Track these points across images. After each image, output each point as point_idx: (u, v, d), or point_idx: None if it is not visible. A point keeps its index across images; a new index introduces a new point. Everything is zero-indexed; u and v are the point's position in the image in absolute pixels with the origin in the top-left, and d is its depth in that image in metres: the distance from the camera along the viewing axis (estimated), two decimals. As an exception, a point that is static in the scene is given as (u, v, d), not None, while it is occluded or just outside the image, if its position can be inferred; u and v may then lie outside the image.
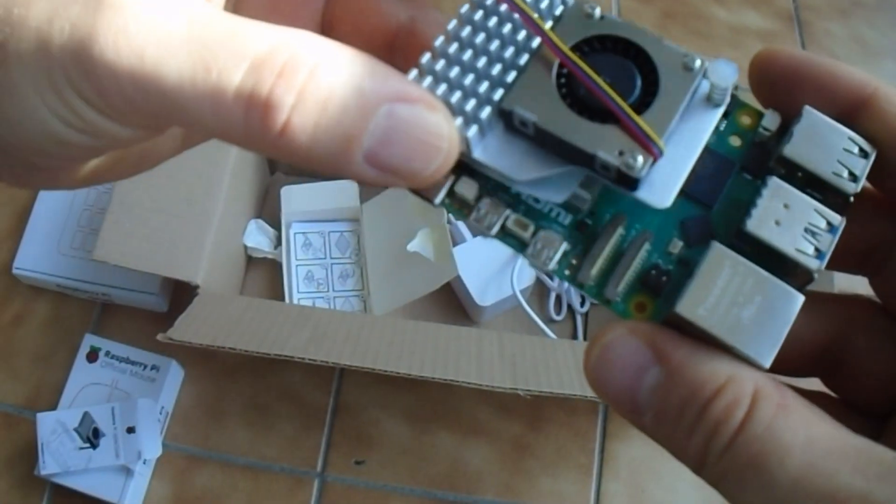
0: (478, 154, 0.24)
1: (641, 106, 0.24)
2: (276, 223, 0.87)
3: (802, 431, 0.22)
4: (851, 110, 0.26)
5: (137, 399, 0.75)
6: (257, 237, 0.86)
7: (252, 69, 0.21)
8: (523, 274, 0.82)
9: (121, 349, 0.81)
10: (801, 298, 0.23)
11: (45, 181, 0.27)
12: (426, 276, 0.77)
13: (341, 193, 0.87)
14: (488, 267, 0.82)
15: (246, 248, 0.86)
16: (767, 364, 0.22)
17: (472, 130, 0.24)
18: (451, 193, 0.25)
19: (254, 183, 0.86)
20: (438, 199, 0.25)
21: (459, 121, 0.24)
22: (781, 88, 0.26)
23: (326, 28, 0.29)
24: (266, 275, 0.88)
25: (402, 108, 0.21)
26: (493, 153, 0.24)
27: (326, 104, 0.21)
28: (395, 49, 0.28)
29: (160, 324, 0.64)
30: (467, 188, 0.25)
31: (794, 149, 0.24)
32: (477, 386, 0.62)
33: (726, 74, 0.25)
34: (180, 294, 0.85)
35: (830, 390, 0.30)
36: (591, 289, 0.25)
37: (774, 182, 0.24)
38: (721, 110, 0.25)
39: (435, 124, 0.22)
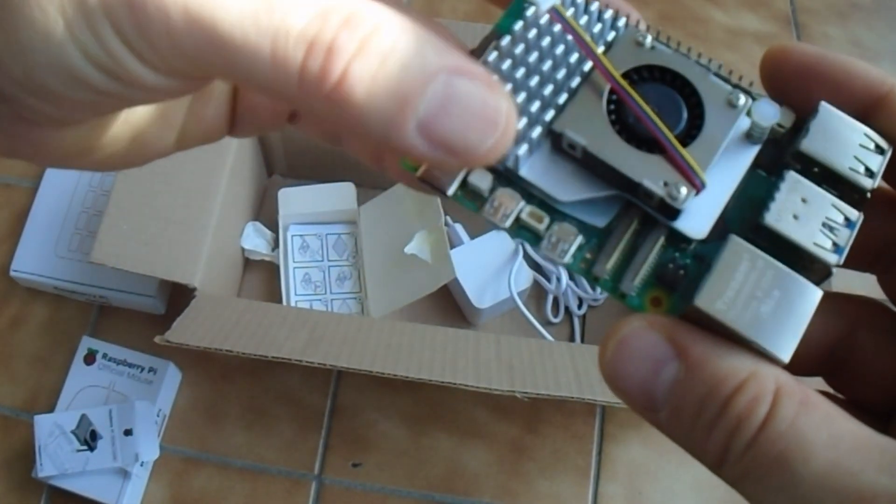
0: (524, 172, 0.24)
1: (686, 138, 0.24)
2: (273, 225, 0.87)
3: (826, 429, 0.21)
4: (867, 108, 0.25)
5: (135, 401, 0.75)
6: (255, 239, 0.86)
7: (317, 15, 0.20)
8: (521, 276, 0.82)
9: (118, 351, 0.81)
10: (819, 293, 0.23)
11: (30, 145, 0.25)
12: (423, 278, 0.77)
13: (339, 196, 0.87)
14: (486, 269, 0.82)
15: (243, 250, 0.86)
16: (787, 358, 0.22)
17: (523, 149, 0.24)
18: (463, 185, 0.25)
19: (251, 185, 0.86)
20: (451, 191, 0.25)
21: None
22: (795, 85, 0.26)
23: None
24: (263, 277, 0.88)
25: (461, 80, 0.21)
26: (538, 172, 0.24)
27: (387, 59, 0.20)
28: None
29: (157, 326, 0.64)
30: (481, 179, 0.25)
31: (811, 144, 0.24)
32: (474, 388, 0.62)
33: (769, 115, 0.25)
34: (178, 296, 0.85)
35: (834, 390, 0.30)
36: (606, 283, 0.24)
37: (792, 176, 0.24)
38: (758, 147, 0.25)
39: (494, 99, 0.21)
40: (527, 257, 0.86)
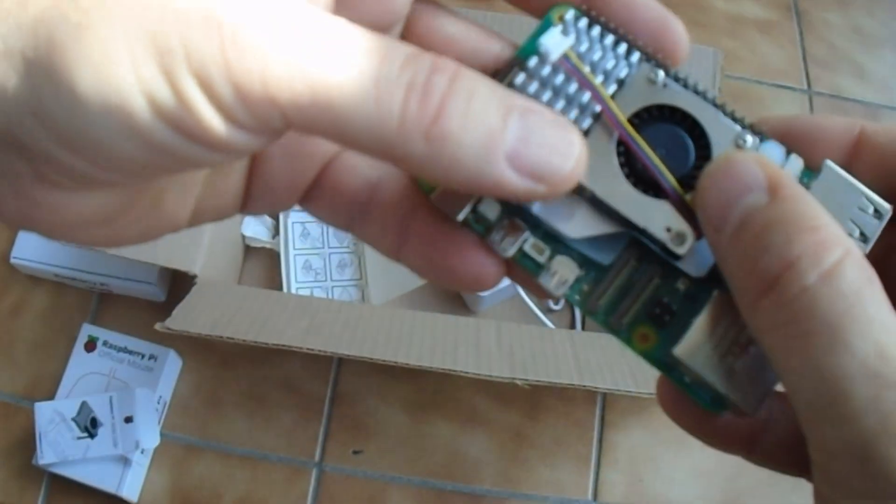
0: (536, 210, 0.25)
1: (692, 179, 0.25)
2: (273, 213, 0.87)
3: (885, 310, 0.21)
4: (849, 156, 0.26)
5: (135, 389, 0.75)
6: (255, 227, 0.86)
7: (407, 60, 0.21)
8: (521, 264, 0.82)
9: (119, 339, 0.81)
10: None
11: (47, 211, 0.23)
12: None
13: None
14: (486, 257, 0.82)
15: (244, 237, 0.85)
16: (753, 414, 0.24)
17: None
18: (474, 211, 0.26)
19: (251, 172, 0.86)
20: (462, 216, 0.26)
21: None
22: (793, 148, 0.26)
23: None
24: (264, 264, 0.87)
25: (533, 115, 0.22)
26: (549, 210, 0.25)
27: (472, 97, 0.21)
28: None
29: (158, 313, 0.64)
30: (490, 209, 0.26)
31: None
32: (475, 375, 0.62)
33: (774, 158, 0.25)
34: (178, 284, 0.85)
35: None
36: (598, 316, 0.26)
37: None
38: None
39: (564, 129, 0.22)
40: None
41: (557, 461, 0.80)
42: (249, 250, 0.88)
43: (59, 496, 0.77)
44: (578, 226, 0.25)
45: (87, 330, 0.81)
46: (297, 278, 0.84)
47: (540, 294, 0.27)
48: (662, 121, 0.25)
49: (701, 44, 0.79)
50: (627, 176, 0.25)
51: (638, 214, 0.25)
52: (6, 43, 0.20)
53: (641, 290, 0.25)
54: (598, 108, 0.25)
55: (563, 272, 0.25)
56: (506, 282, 0.78)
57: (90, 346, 0.80)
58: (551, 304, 0.86)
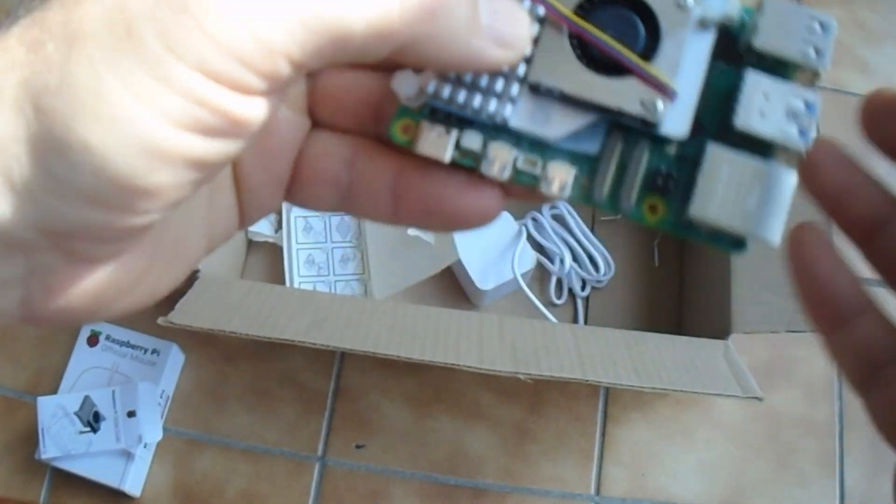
0: (514, 123, 0.26)
1: (649, 51, 0.26)
2: (276, 207, 0.87)
3: None
4: None
5: (138, 383, 0.75)
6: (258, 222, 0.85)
7: None
8: (524, 258, 0.82)
9: (121, 333, 0.81)
10: (794, 175, 0.25)
11: (81, 293, 0.23)
12: (427, 260, 0.77)
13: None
14: (489, 251, 0.82)
15: (247, 231, 0.85)
16: (778, 242, 0.25)
17: (508, 109, 0.26)
18: (457, 148, 0.26)
19: (254, 167, 0.86)
20: (448, 157, 0.26)
21: (494, 101, 0.26)
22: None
23: (312, 109, 0.29)
24: (267, 259, 0.87)
25: None
26: (525, 119, 0.26)
27: None
28: (381, 118, 0.28)
29: (161, 308, 0.64)
30: (472, 139, 0.26)
31: (762, 39, 0.26)
32: (478, 370, 0.62)
33: (717, 7, 0.26)
34: (180, 278, 0.85)
35: None
36: (605, 204, 0.26)
37: (751, 76, 0.25)
38: (713, 34, 0.26)
39: (514, 5, 0.25)
40: (530, 239, 0.86)
41: (560, 456, 0.80)
42: (252, 245, 0.88)
43: (62, 490, 0.77)
44: (557, 126, 0.26)
45: (90, 324, 0.81)
46: (300, 273, 0.84)
47: (540, 200, 0.27)
48: (604, 5, 0.26)
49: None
50: (588, 65, 0.26)
51: (609, 97, 0.25)
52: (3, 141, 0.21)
53: (636, 166, 0.26)
54: (541, 11, 0.26)
55: (560, 175, 0.26)
56: (508, 276, 0.78)
57: (93, 340, 0.80)
58: (554, 299, 0.86)
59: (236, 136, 0.22)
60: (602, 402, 0.83)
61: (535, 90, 0.26)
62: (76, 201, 0.21)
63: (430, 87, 0.26)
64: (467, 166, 0.26)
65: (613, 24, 0.26)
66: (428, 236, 0.78)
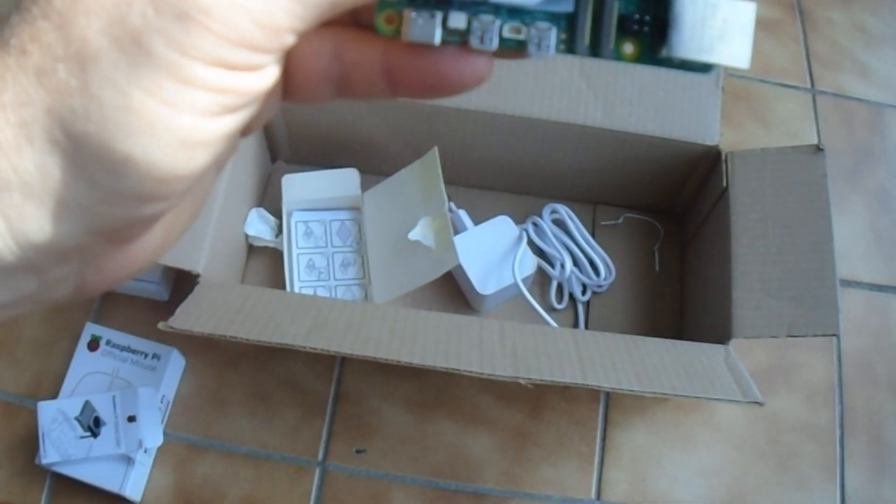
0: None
1: None
2: (277, 212, 0.87)
3: None
4: None
5: (138, 388, 0.75)
6: (258, 226, 0.86)
7: None
8: (524, 263, 0.82)
9: (122, 338, 0.81)
10: (753, 5, 0.27)
11: (117, 266, 0.27)
12: (427, 264, 0.77)
13: (342, 182, 0.86)
14: (489, 256, 0.82)
15: (247, 236, 0.85)
16: (748, 64, 0.27)
17: None
18: (445, 29, 0.27)
19: (255, 171, 0.86)
20: (438, 39, 0.27)
21: None
22: None
23: None
24: (267, 263, 0.87)
25: None
26: None
27: None
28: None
29: (161, 312, 0.64)
30: (457, 19, 0.28)
31: None
32: (478, 374, 0.62)
33: None
34: (181, 283, 0.85)
35: None
36: (586, 52, 0.28)
37: None
38: None
39: None
40: (531, 243, 0.86)
41: (561, 460, 0.80)
42: (252, 249, 0.88)
43: (62, 495, 0.77)
44: None
45: (91, 329, 0.81)
46: (301, 277, 0.84)
47: (522, 55, 0.28)
48: None
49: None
50: None
51: None
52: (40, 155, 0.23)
53: (609, 15, 0.28)
54: None
55: (542, 35, 0.28)
56: (509, 281, 0.78)
57: (93, 345, 0.80)
58: (555, 304, 0.86)
59: (257, 102, 0.25)
60: (603, 407, 0.83)
61: None
62: (126, 203, 0.24)
63: None
64: (456, 44, 0.28)
65: None
66: (429, 241, 0.78)
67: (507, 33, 0.28)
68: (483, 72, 0.28)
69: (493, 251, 0.83)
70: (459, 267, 0.80)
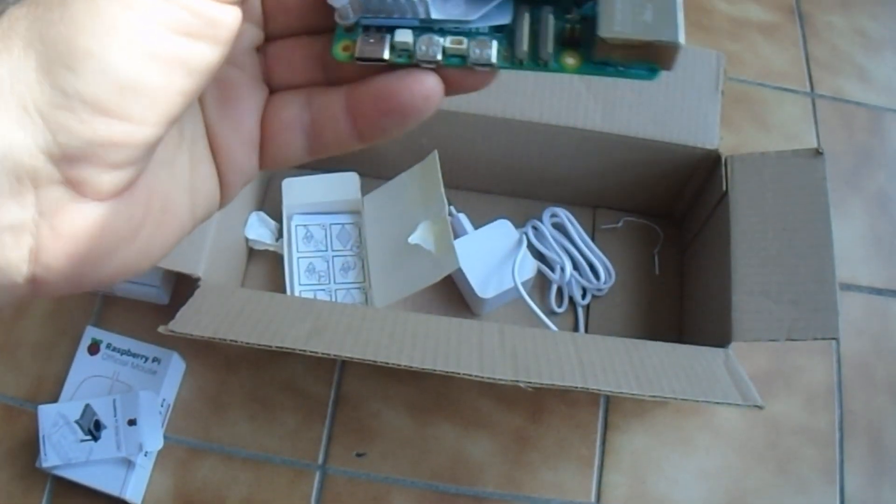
0: (436, 15, 0.30)
1: None
2: (277, 215, 0.87)
3: None
4: None
5: (139, 391, 0.75)
6: (258, 229, 0.86)
7: None
8: (524, 266, 0.82)
9: (122, 341, 0.81)
10: None
11: (84, 246, 0.27)
12: (427, 268, 0.77)
13: (343, 186, 0.86)
14: (489, 259, 0.82)
15: (247, 240, 0.85)
16: (683, 40, 0.28)
17: (429, 4, 0.30)
18: (392, 48, 0.30)
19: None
20: (386, 54, 0.30)
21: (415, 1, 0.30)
22: None
23: (267, 76, 0.33)
24: (267, 267, 0.87)
25: None
26: (444, 9, 0.30)
27: None
28: (327, 67, 0.33)
29: (161, 316, 0.64)
30: (403, 35, 0.30)
31: None
32: (478, 378, 0.62)
33: None
34: (181, 286, 0.85)
35: None
36: (527, 64, 0.30)
37: None
38: None
39: None
40: (531, 247, 0.86)
41: (561, 464, 0.80)
42: (253, 253, 0.88)
43: (63, 499, 0.77)
44: (472, 9, 0.30)
45: (91, 332, 0.81)
46: (301, 281, 0.84)
47: (473, 82, 0.31)
48: None
49: (704, 46, 0.79)
50: None
51: None
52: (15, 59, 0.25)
53: (546, 27, 0.30)
54: None
55: (483, 49, 0.30)
56: (509, 284, 0.78)
57: (94, 348, 0.80)
58: (555, 307, 0.86)
59: (215, 41, 0.26)
60: (602, 410, 0.83)
61: None
62: (83, 113, 0.24)
63: (356, 4, 0.30)
64: (405, 63, 0.30)
65: None
66: (429, 245, 0.78)
67: (449, 46, 0.30)
68: (431, 90, 0.30)
69: (493, 255, 0.83)
70: (459, 270, 0.80)
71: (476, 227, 0.86)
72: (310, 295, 0.84)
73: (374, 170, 0.88)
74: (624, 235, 0.91)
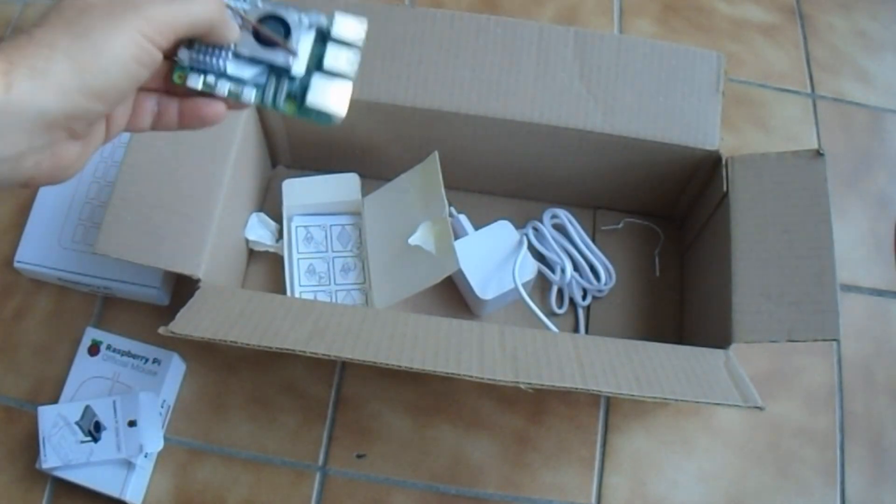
0: (230, 71, 0.50)
1: (287, 36, 0.51)
2: (277, 217, 0.87)
3: None
4: None
5: (139, 392, 0.75)
6: (259, 231, 0.86)
7: None
8: (525, 267, 0.82)
9: (122, 343, 0.81)
10: (350, 83, 0.52)
11: (62, 164, 0.45)
12: (428, 269, 0.77)
13: (343, 187, 0.86)
14: (490, 260, 0.82)
15: (247, 241, 0.85)
16: (343, 113, 0.52)
17: (226, 63, 0.50)
18: (204, 83, 0.50)
19: (255, 176, 0.86)
20: (200, 86, 0.50)
21: (220, 61, 0.50)
22: None
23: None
24: (268, 268, 0.87)
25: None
26: (234, 68, 0.50)
27: None
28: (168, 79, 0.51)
29: (162, 317, 0.64)
30: (210, 79, 0.50)
31: (334, 31, 0.52)
32: (478, 379, 0.62)
33: (314, 18, 0.51)
34: (182, 287, 0.85)
35: None
36: (271, 105, 0.52)
37: (329, 46, 0.52)
38: (314, 29, 0.51)
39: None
40: (531, 248, 0.86)
41: (561, 465, 0.80)
42: (253, 254, 0.88)
43: (63, 500, 0.77)
44: (248, 70, 0.50)
45: (91, 334, 0.81)
46: (301, 282, 0.84)
47: (242, 107, 0.52)
48: (267, 18, 0.50)
49: (704, 47, 0.79)
50: (260, 43, 0.50)
51: (270, 56, 0.50)
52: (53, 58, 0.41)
53: (281, 86, 0.51)
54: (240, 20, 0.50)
55: (248, 91, 0.50)
56: (509, 285, 0.78)
57: (94, 349, 0.80)
58: (555, 308, 0.86)
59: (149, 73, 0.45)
60: (603, 412, 0.83)
61: (237, 56, 0.50)
62: (90, 96, 0.42)
63: (189, 56, 0.49)
64: (207, 92, 0.50)
65: (271, 25, 0.50)
66: (429, 246, 0.78)
67: (232, 88, 0.50)
68: (219, 112, 0.51)
69: (493, 256, 0.83)
70: (460, 272, 0.80)
71: (476, 228, 0.86)
72: (310, 296, 0.84)
73: (375, 171, 0.88)
74: (624, 236, 0.91)
